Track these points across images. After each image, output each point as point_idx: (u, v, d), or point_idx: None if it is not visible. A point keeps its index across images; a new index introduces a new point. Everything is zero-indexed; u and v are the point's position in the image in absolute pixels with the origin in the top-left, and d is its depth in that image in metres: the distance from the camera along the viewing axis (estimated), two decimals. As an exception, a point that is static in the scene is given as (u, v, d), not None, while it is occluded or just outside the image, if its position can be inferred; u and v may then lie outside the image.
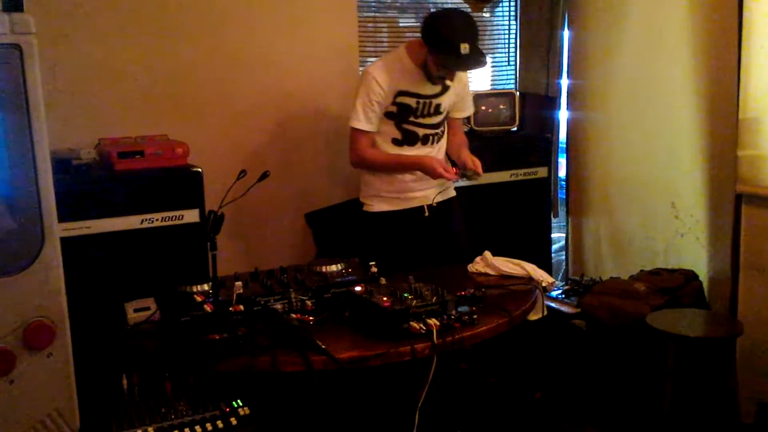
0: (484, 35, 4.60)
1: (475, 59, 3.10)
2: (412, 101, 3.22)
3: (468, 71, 3.29)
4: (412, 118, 3.26)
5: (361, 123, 3.17)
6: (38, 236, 1.82)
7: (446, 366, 2.55)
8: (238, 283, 2.54)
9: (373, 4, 4.32)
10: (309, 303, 2.60)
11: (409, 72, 3.20)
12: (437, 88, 3.27)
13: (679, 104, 3.71)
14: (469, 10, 4.39)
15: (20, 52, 1.75)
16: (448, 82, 3.29)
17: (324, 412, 2.48)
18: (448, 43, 3.03)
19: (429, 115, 3.29)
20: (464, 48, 3.02)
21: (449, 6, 4.48)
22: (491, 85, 4.70)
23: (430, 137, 3.32)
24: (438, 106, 3.29)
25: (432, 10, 4.08)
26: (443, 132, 3.40)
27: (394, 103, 3.21)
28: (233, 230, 3.58)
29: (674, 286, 3.47)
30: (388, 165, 3.28)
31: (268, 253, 3.80)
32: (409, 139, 3.28)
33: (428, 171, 3.20)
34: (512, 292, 2.87)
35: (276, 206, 3.86)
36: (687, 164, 3.71)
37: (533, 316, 2.86)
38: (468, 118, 3.82)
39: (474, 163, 3.21)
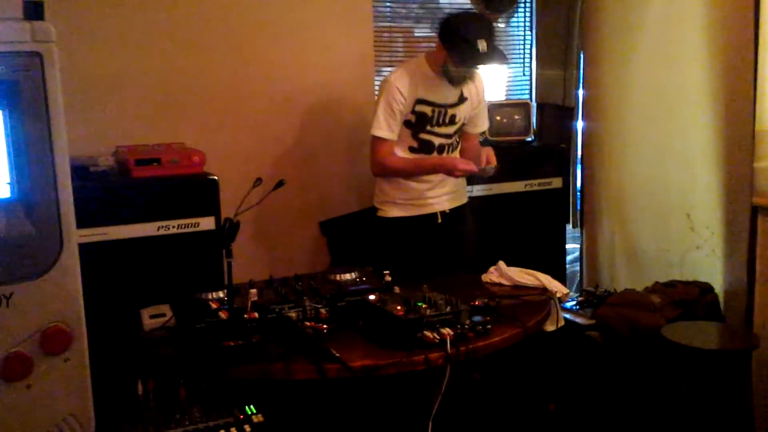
0: (499, 45, 4.60)
1: (494, 55, 3.12)
2: (428, 110, 3.24)
3: (487, 65, 3.29)
4: (428, 127, 3.28)
5: (383, 131, 3.19)
6: (57, 242, 1.84)
7: (459, 376, 2.54)
8: (253, 291, 2.55)
9: (388, 14, 4.34)
10: (323, 311, 2.61)
11: (428, 80, 3.22)
12: (454, 98, 3.29)
13: (694, 115, 3.70)
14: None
15: (41, 59, 1.78)
16: (465, 94, 3.31)
17: (337, 420, 2.49)
18: (466, 41, 3.06)
19: (444, 124, 3.30)
20: (482, 44, 3.04)
21: (464, 9, 4.47)
22: (506, 95, 4.70)
23: (446, 147, 3.34)
24: (453, 116, 3.31)
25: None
26: (457, 143, 3.42)
27: (413, 112, 3.23)
28: (249, 238, 3.60)
29: (689, 298, 3.45)
30: (410, 170, 3.29)
31: (283, 261, 3.82)
32: (425, 148, 3.30)
33: (449, 169, 3.22)
34: (526, 302, 2.87)
35: (291, 214, 3.88)
36: (703, 176, 3.69)
37: (549, 327, 2.86)
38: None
39: (489, 156, 3.21)
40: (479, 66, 3.25)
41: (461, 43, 3.08)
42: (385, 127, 3.19)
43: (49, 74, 1.79)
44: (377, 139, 3.22)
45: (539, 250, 4.17)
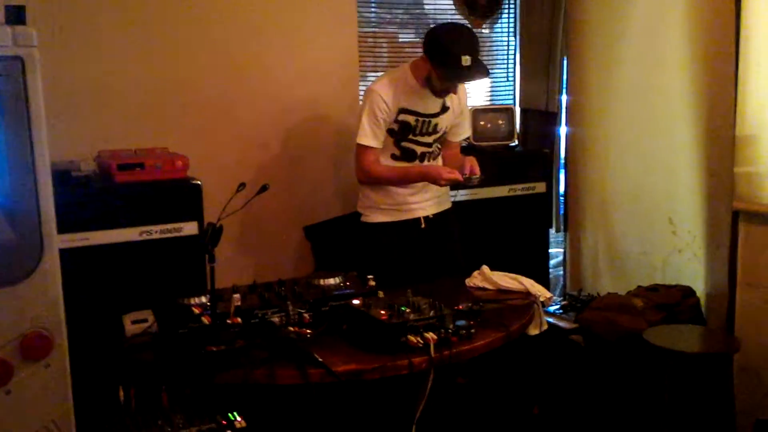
0: (484, 51, 4.62)
1: (477, 70, 3.14)
2: (411, 119, 3.26)
3: (470, 82, 3.32)
4: (411, 136, 3.29)
5: (368, 139, 3.20)
6: (37, 247, 1.83)
7: (443, 380, 2.55)
8: (236, 296, 2.54)
9: (372, 19, 4.35)
10: (307, 316, 2.60)
11: (412, 90, 3.23)
12: (436, 108, 3.31)
13: (676, 121, 3.73)
14: (470, 25, 4.42)
15: (22, 64, 1.77)
16: (447, 103, 3.33)
17: (321, 425, 2.49)
18: (449, 56, 3.07)
19: (427, 133, 3.32)
20: (465, 60, 3.06)
21: (449, 22, 4.50)
22: (490, 100, 4.72)
23: (426, 155, 3.35)
24: (436, 125, 3.33)
25: (432, 25, 4.09)
26: (438, 150, 3.43)
27: (396, 121, 3.24)
28: (232, 243, 3.59)
29: (671, 301, 3.48)
30: (396, 178, 3.31)
31: (267, 265, 3.81)
32: (407, 155, 3.31)
33: (434, 178, 3.23)
34: (510, 306, 2.88)
35: (275, 219, 3.87)
36: (684, 180, 3.72)
37: (533, 331, 2.87)
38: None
39: (472, 166, 3.22)
40: (463, 81, 3.26)
41: (446, 58, 3.09)
42: (371, 135, 3.20)
43: (31, 79, 1.78)
44: (362, 147, 3.22)
45: (523, 255, 4.18)
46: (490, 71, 4.63)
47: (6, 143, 1.77)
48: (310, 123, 3.94)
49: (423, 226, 3.40)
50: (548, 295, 3.03)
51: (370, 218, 3.37)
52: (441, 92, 3.23)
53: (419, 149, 3.33)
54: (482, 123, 4.20)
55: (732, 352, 3.22)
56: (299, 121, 3.92)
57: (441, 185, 3.28)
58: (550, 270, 4.64)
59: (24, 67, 1.77)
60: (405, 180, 3.31)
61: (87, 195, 2.98)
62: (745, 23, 3.22)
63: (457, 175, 3.17)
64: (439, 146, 3.42)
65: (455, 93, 3.29)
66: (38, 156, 1.81)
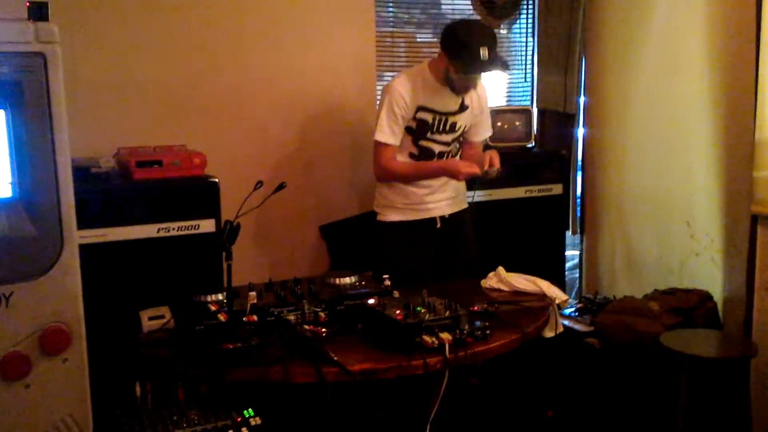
0: (501, 51, 4.61)
1: (495, 63, 3.12)
2: (428, 117, 3.25)
3: (489, 73, 3.30)
4: (428, 134, 3.28)
5: (386, 136, 3.20)
6: (57, 242, 1.84)
7: (458, 381, 2.54)
8: (252, 294, 2.56)
9: (390, 19, 4.35)
10: (322, 315, 2.61)
11: (430, 87, 3.22)
12: (455, 106, 3.30)
13: (695, 123, 3.71)
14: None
15: (44, 60, 1.78)
16: (466, 102, 3.32)
17: (335, 424, 2.49)
18: (467, 49, 3.06)
19: (445, 131, 3.31)
20: (483, 52, 3.04)
21: (466, 18, 4.49)
22: (507, 101, 4.71)
23: (445, 154, 3.35)
24: (454, 124, 3.32)
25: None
26: (457, 150, 3.42)
27: (414, 118, 3.23)
28: (249, 241, 3.60)
29: (688, 306, 3.45)
30: (414, 174, 3.30)
31: (283, 264, 3.82)
32: (425, 155, 3.31)
33: (452, 172, 3.22)
34: (525, 308, 2.87)
35: (292, 218, 3.88)
36: (703, 184, 3.69)
37: (548, 333, 2.86)
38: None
39: (492, 158, 3.19)
40: (481, 74, 3.25)
41: (463, 51, 3.08)
42: (389, 132, 3.20)
43: (53, 75, 1.80)
44: (380, 145, 3.22)
45: (539, 257, 4.17)
46: (508, 72, 4.65)
47: (28, 139, 1.79)
48: (327, 122, 3.95)
49: (439, 225, 3.40)
50: (564, 297, 3.02)
51: (386, 217, 3.37)
52: (460, 88, 3.22)
53: (437, 148, 3.32)
54: (499, 124, 4.18)
55: (749, 357, 3.20)
56: (317, 120, 3.93)
57: (459, 179, 3.27)
58: (566, 272, 4.62)
59: (46, 64, 1.78)
60: (424, 175, 3.30)
61: (106, 191, 3.01)
62: (765, 26, 3.19)
63: (475, 169, 3.16)
64: (458, 146, 3.42)
65: (474, 88, 3.28)
66: (59, 152, 1.82)
